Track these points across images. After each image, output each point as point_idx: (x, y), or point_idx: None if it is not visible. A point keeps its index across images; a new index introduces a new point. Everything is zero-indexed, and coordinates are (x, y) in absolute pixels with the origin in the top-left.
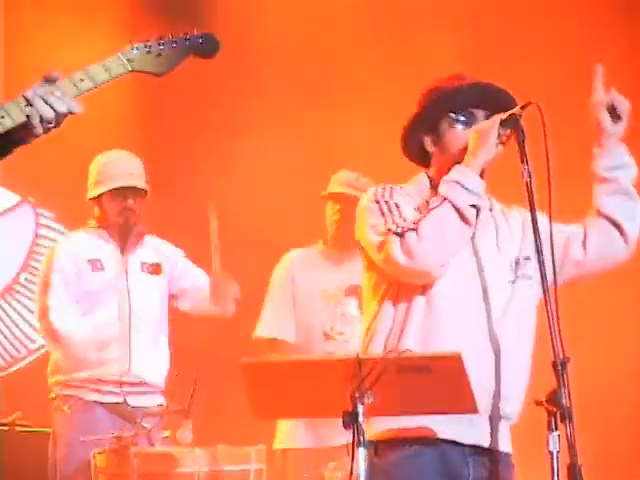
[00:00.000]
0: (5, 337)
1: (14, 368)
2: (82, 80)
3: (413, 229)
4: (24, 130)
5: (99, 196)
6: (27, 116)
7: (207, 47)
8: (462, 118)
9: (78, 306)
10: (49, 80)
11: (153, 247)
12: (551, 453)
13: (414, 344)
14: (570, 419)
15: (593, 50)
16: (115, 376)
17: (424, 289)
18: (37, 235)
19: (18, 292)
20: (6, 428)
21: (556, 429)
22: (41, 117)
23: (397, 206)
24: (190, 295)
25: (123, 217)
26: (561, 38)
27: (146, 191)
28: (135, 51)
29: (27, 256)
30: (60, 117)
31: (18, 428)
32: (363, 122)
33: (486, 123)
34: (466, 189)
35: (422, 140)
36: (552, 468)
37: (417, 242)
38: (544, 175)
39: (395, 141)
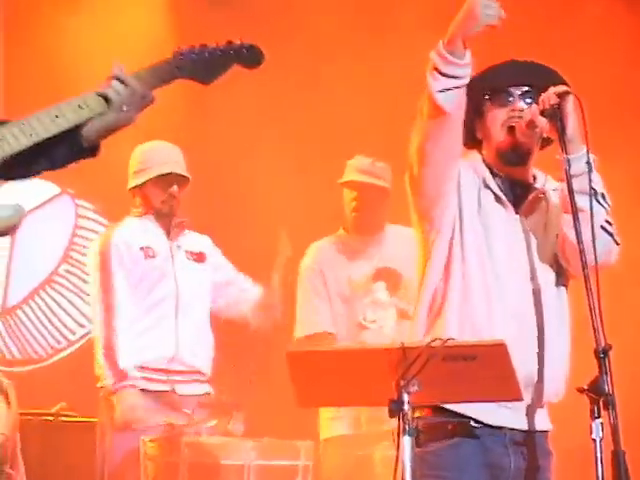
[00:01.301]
0: (45, 328)
1: (55, 359)
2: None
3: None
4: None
5: (142, 184)
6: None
7: (251, 57)
8: (497, 97)
9: (135, 292)
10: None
11: (194, 237)
12: (594, 441)
13: (455, 327)
14: (613, 406)
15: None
16: (162, 364)
17: (467, 268)
18: (77, 226)
19: (58, 283)
20: (51, 419)
21: (599, 417)
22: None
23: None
24: (228, 293)
25: (167, 204)
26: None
27: (188, 179)
28: (183, 58)
29: (67, 247)
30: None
31: (63, 418)
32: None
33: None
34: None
35: (473, 126)
36: (595, 455)
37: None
38: None
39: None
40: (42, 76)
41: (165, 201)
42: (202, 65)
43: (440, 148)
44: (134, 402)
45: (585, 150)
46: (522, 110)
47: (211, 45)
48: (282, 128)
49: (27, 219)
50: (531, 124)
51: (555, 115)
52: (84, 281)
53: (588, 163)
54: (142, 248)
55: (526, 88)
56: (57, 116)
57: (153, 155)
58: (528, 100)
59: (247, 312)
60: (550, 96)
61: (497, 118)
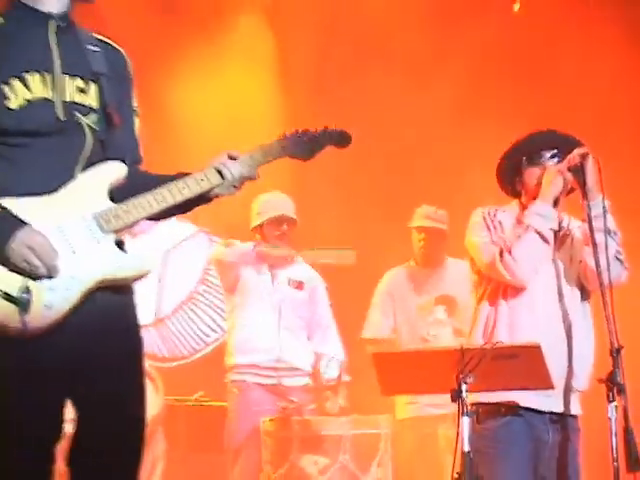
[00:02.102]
0: (188, 333)
1: (195, 357)
2: (252, 158)
3: (509, 250)
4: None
5: (261, 224)
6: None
7: (342, 140)
8: (532, 160)
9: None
10: (231, 157)
11: (301, 268)
12: (610, 419)
13: (506, 335)
14: (624, 393)
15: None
16: (270, 362)
17: (512, 293)
18: (208, 257)
19: (197, 300)
20: (192, 403)
21: (613, 400)
22: (227, 180)
23: (500, 223)
24: (309, 328)
25: (279, 240)
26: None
27: (296, 221)
28: (288, 140)
29: (204, 272)
30: (241, 180)
31: (201, 403)
32: None
33: (553, 168)
34: (542, 216)
35: (514, 182)
36: (611, 430)
37: (514, 263)
38: None
39: None
40: (156, 139)
41: (277, 237)
42: (303, 146)
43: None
44: (248, 393)
45: (601, 198)
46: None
47: (311, 130)
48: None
49: (174, 250)
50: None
51: (578, 171)
52: (217, 298)
53: (604, 208)
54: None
55: (554, 151)
56: (184, 187)
57: (269, 202)
58: (556, 160)
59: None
60: (575, 156)
61: (533, 175)
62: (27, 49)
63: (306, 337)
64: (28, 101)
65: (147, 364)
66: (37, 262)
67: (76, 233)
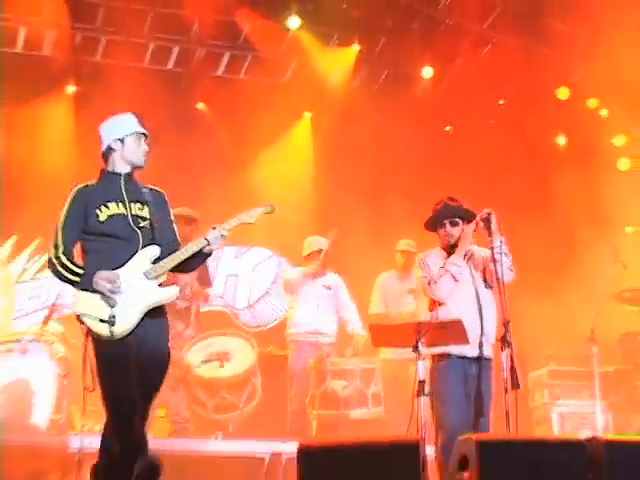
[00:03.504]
0: (266, 312)
1: (268, 326)
2: (234, 221)
3: (435, 282)
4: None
5: (307, 254)
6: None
7: (270, 210)
8: (439, 225)
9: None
10: (214, 227)
11: (329, 277)
12: (503, 361)
13: (443, 315)
14: (510, 347)
15: None
16: (312, 330)
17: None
18: (278, 268)
19: (270, 294)
20: (267, 352)
21: (504, 350)
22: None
23: (427, 265)
24: (337, 310)
25: (320, 261)
26: None
27: (327, 251)
28: (244, 213)
29: (274, 278)
30: (219, 239)
31: (272, 352)
32: None
33: (468, 229)
34: (456, 265)
35: (436, 232)
36: (503, 367)
37: (436, 290)
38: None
39: None
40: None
41: (320, 262)
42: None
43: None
44: (300, 347)
45: (499, 236)
46: (450, 231)
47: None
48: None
49: (259, 265)
50: (453, 236)
51: (487, 221)
52: (280, 293)
53: (501, 242)
54: (298, 280)
55: (457, 220)
56: (192, 245)
57: (312, 241)
58: (455, 224)
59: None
60: (484, 213)
61: (441, 233)
62: (110, 191)
63: (333, 316)
64: (110, 216)
65: (245, 329)
66: (110, 290)
67: (135, 283)
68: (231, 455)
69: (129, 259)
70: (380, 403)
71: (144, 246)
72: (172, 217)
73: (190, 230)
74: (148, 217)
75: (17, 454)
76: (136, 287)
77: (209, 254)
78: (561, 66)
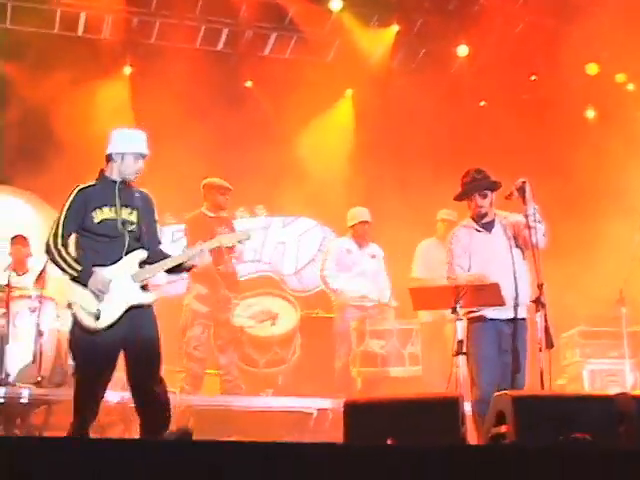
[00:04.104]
0: (311, 278)
1: (314, 291)
2: (215, 242)
3: (450, 271)
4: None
5: (353, 225)
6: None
7: None
8: (473, 195)
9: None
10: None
11: (374, 246)
12: (537, 321)
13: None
14: (544, 307)
15: None
16: (357, 295)
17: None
18: (323, 239)
19: (314, 261)
20: (314, 314)
21: (539, 311)
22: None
23: (457, 237)
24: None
25: (363, 233)
26: None
27: (370, 222)
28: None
29: (319, 247)
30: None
31: (318, 315)
32: None
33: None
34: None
35: (467, 202)
36: (537, 327)
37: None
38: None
39: None
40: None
41: (361, 232)
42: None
43: None
44: (344, 309)
45: (533, 204)
46: (480, 202)
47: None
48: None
49: (304, 233)
50: (483, 207)
51: (521, 190)
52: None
53: (534, 209)
54: (346, 249)
55: (485, 192)
56: (177, 256)
57: (356, 212)
58: (484, 195)
59: None
60: (518, 182)
61: (470, 204)
62: (106, 195)
63: (377, 284)
64: (103, 219)
65: (290, 293)
66: (100, 290)
67: (121, 284)
68: (281, 410)
69: (118, 259)
70: (418, 363)
71: (130, 246)
72: (156, 217)
73: (224, 200)
74: (136, 221)
75: None
76: (122, 287)
77: (189, 268)
78: (590, 43)
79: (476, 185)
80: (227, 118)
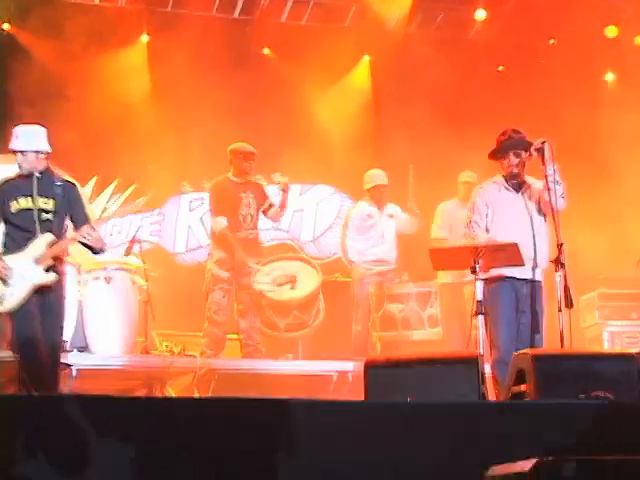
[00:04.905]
0: (329, 244)
1: (332, 258)
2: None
3: (470, 231)
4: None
5: (368, 189)
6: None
7: None
8: (506, 154)
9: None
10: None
11: (392, 206)
12: (557, 281)
13: (500, 238)
14: (563, 267)
15: None
16: (374, 259)
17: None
18: (341, 206)
19: (332, 228)
20: (333, 278)
21: (559, 271)
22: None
23: (484, 190)
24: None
25: (379, 195)
26: None
27: (387, 185)
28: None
29: (337, 214)
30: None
31: (337, 279)
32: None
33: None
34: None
35: (499, 162)
36: (556, 287)
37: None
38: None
39: None
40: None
41: (378, 194)
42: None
43: None
44: (362, 273)
45: (552, 164)
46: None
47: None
48: None
49: (322, 201)
50: (516, 166)
51: (540, 150)
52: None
53: (554, 170)
54: (368, 215)
55: (520, 152)
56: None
57: (372, 175)
58: (518, 155)
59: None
60: (538, 143)
61: (504, 162)
62: (25, 186)
63: (395, 244)
64: (19, 209)
65: (311, 259)
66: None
67: (25, 267)
68: (301, 373)
69: (28, 244)
70: (437, 324)
71: (43, 233)
72: (84, 202)
73: (248, 165)
74: (53, 210)
75: (111, 374)
76: (25, 270)
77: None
78: (609, 5)
79: (512, 143)
80: (244, 86)
